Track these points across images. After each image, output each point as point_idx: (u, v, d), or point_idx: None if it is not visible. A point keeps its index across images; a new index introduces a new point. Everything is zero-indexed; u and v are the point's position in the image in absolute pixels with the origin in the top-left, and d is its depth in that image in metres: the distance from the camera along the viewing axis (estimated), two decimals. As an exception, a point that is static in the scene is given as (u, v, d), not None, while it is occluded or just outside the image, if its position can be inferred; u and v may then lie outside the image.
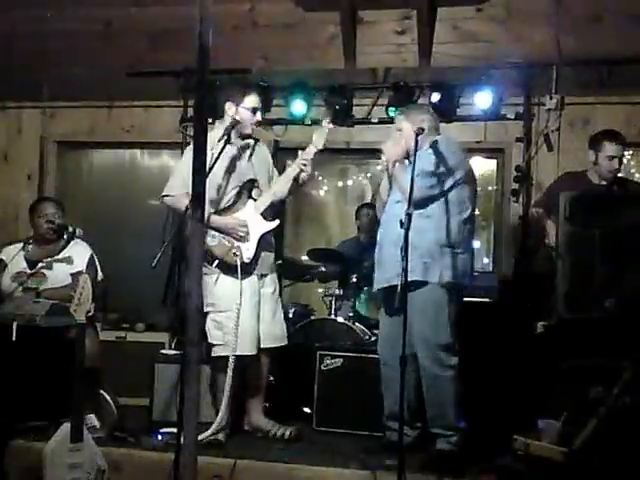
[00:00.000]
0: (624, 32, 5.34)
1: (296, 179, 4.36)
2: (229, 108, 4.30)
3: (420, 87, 5.80)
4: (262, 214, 4.32)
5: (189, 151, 4.12)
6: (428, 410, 3.99)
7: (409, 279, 3.85)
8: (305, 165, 4.27)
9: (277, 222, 4.38)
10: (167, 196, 4.26)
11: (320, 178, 7.67)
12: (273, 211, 4.42)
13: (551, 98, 5.43)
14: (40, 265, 4.78)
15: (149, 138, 6.92)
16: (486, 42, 5.63)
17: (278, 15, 5.75)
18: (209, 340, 4.22)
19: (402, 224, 3.48)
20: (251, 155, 4.42)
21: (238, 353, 4.13)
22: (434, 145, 3.99)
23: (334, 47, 5.82)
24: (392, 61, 5.92)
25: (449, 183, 3.97)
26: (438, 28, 5.58)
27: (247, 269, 4.23)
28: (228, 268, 4.20)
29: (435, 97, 5.65)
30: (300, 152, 4.32)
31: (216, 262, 4.19)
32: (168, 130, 6.51)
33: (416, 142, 3.76)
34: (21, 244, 4.91)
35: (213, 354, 4.23)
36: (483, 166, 6.91)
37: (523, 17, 5.45)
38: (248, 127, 4.34)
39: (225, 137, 4.08)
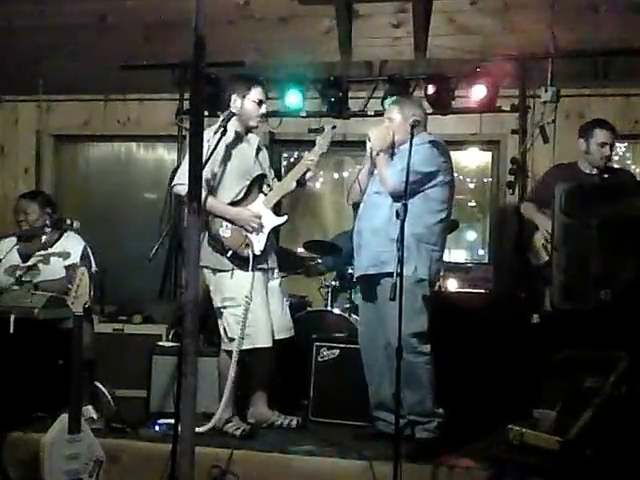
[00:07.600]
0: (620, 24, 5.36)
1: (301, 177, 4.40)
2: (234, 101, 4.31)
3: (416, 80, 5.82)
4: (272, 208, 4.38)
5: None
6: (405, 397, 3.97)
7: (384, 270, 3.87)
8: (311, 164, 4.33)
9: (286, 217, 4.46)
10: (179, 184, 4.22)
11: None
12: (279, 206, 4.50)
13: (546, 90, 5.45)
14: (37, 259, 4.79)
15: (145, 131, 6.91)
16: (481, 34, 5.65)
17: (273, 8, 5.77)
18: (229, 335, 4.23)
19: (398, 215, 3.49)
20: (258, 150, 4.48)
21: (258, 345, 4.18)
22: (426, 144, 4.00)
23: (330, 40, 5.84)
24: (388, 54, 5.95)
25: (432, 183, 4.00)
26: (433, 21, 5.61)
27: (257, 262, 4.27)
28: (240, 260, 4.24)
29: (430, 89, 5.67)
30: (306, 153, 4.38)
31: (230, 253, 4.22)
32: (164, 123, 6.52)
33: (412, 134, 3.76)
34: (14, 238, 4.90)
35: (228, 347, 4.26)
36: (479, 158, 6.91)
37: (518, 9, 5.47)
38: (254, 119, 4.37)
39: (222, 129, 4.06)
